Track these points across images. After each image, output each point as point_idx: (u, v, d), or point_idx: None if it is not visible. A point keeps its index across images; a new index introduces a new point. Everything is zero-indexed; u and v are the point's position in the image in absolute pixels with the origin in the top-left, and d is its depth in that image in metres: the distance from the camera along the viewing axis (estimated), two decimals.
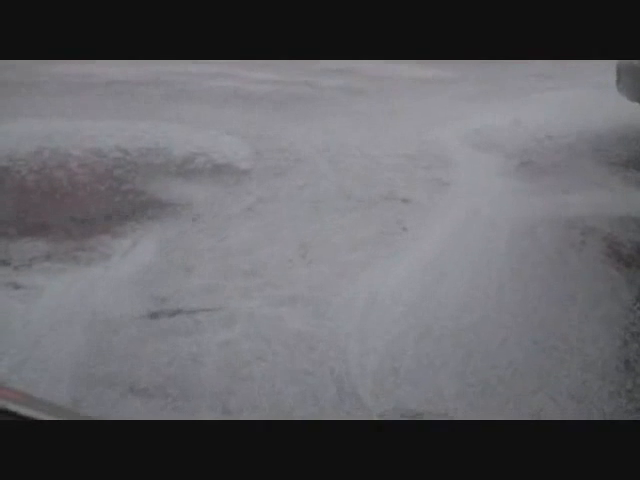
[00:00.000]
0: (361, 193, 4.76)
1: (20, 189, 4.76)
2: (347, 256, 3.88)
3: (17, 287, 3.42)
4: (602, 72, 6.59)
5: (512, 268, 3.76)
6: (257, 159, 5.32)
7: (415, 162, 5.38)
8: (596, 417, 2.58)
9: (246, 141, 5.71)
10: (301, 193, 4.74)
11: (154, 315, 3.25)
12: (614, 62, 6.10)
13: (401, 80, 8.20)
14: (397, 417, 2.59)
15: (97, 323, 3.14)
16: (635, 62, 5.79)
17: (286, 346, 3.03)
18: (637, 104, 5.75)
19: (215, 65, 8.26)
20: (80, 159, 5.22)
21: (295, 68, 8.36)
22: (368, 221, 4.35)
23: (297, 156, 5.38)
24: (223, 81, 7.86)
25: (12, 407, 1.00)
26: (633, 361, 2.93)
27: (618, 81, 6.03)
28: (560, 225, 4.28)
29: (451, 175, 5.16)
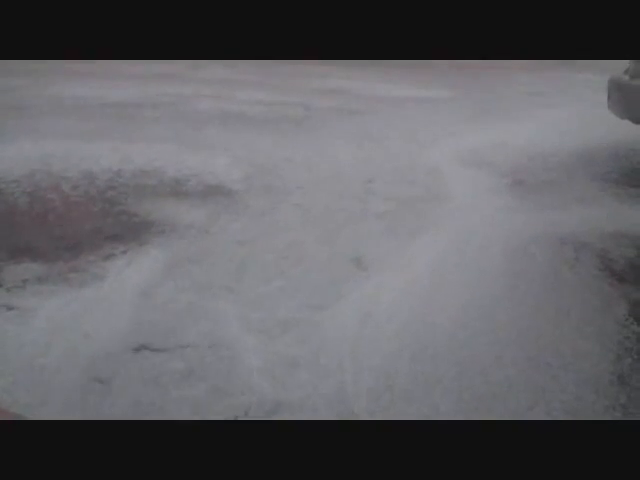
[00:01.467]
0: (316, 252, 4.20)
1: (13, 211, 4.76)
2: (276, 343, 3.16)
3: (10, 309, 3.41)
4: (593, 90, 6.63)
5: (506, 285, 3.76)
6: (246, 186, 5.31)
7: (403, 187, 5.39)
8: None
9: (239, 163, 5.73)
10: (254, 246, 4.24)
11: None
12: (605, 81, 6.14)
13: (394, 100, 8.24)
14: None
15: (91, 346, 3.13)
16: (626, 80, 5.83)
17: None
18: (627, 121, 5.79)
19: (208, 87, 8.30)
20: (73, 181, 5.23)
21: (288, 89, 8.40)
22: (287, 299, 3.57)
23: (283, 189, 5.31)
24: (216, 102, 7.89)
25: None
26: (627, 375, 2.93)
27: (609, 99, 6.07)
28: (553, 242, 4.29)
29: (439, 194, 5.18)
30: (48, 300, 3.48)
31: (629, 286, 3.73)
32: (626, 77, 5.81)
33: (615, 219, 4.60)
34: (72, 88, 8.09)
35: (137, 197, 5.00)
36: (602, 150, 6.03)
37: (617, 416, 2.66)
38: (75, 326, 3.25)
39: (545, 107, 7.39)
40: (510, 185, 5.37)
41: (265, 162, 5.81)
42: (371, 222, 4.65)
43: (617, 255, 4.07)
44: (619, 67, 5.95)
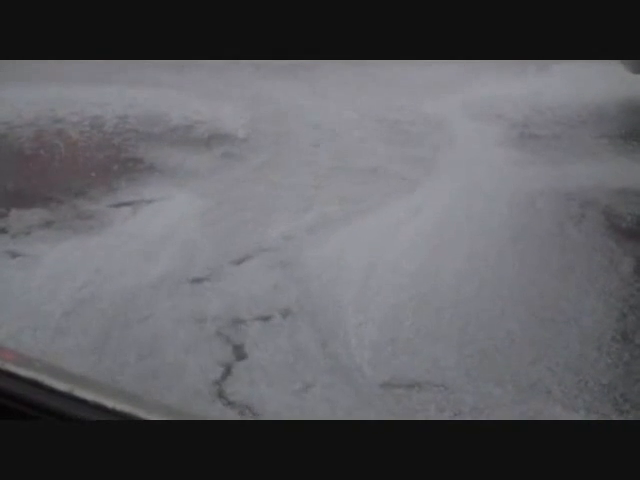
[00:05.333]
0: (323, 197, 4.47)
1: (18, 157, 4.74)
2: None
3: (15, 255, 3.42)
4: None
5: (511, 240, 3.75)
6: (253, 133, 5.28)
7: (406, 136, 5.35)
8: (593, 388, 2.59)
9: (245, 110, 5.68)
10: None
11: None
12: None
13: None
14: (395, 386, 2.61)
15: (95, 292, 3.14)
16: None
17: None
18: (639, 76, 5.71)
19: None
20: (79, 126, 5.19)
21: None
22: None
23: (290, 135, 5.25)
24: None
25: (11, 368, 0.99)
26: (631, 333, 2.93)
27: None
28: (559, 197, 4.26)
29: (447, 147, 5.14)
30: (53, 247, 3.48)
31: (635, 243, 3.72)
32: None
33: (623, 175, 4.57)
34: None
35: (143, 144, 4.97)
36: (613, 105, 5.96)
37: (619, 373, 2.68)
38: (79, 274, 3.26)
39: (556, 62, 7.29)
40: (518, 138, 5.33)
41: (272, 109, 5.76)
42: (374, 176, 4.63)
43: (624, 212, 4.04)
44: None
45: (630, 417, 2.44)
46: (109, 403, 0.97)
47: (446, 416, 2.46)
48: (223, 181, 4.41)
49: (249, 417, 2.44)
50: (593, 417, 2.45)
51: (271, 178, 4.46)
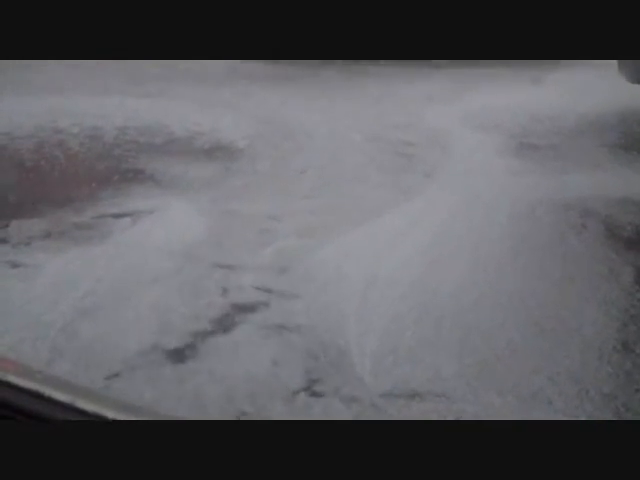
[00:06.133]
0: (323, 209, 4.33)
1: (18, 167, 4.74)
2: None
3: (15, 266, 3.42)
4: None
5: (511, 249, 3.75)
6: (253, 145, 5.27)
7: (407, 153, 5.36)
8: (594, 397, 2.59)
9: (245, 122, 5.69)
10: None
11: None
12: None
13: (402, 62, 8.15)
14: (396, 396, 2.60)
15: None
16: None
17: None
18: (638, 86, 5.72)
19: None
20: (79, 137, 5.20)
21: None
22: None
23: (289, 148, 5.24)
24: (223, 60, 7.82)
25: (12, 379, 0.99)
26: (632, 343, 2.93)
27: (619, 62, 6.00)
28: (560, 207, 4.27)
29: (447, 157, 5.14)
30: (53, 257, 3.48)
31: (635, 253, 3.72)
32: None
33: (623, 185, 4.57)
34: None
35: (143, 155, 4.97)
36: (612, 115, 5.98)
37: (620, 383, 2.67)
38: (80, 284, 3.25)
39: (553, 71, 7.31)
40: (518, 148, 5.34)
41: (271, 121, 5.77)
42: (374, 188, 4.63)
43: (624, 222, 4.04)
44: None
45: None
46: (109, 414, 0.97)
47: None
48: (214, 199, 4.35)
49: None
50: None
51: (258, 204, 4.35)
